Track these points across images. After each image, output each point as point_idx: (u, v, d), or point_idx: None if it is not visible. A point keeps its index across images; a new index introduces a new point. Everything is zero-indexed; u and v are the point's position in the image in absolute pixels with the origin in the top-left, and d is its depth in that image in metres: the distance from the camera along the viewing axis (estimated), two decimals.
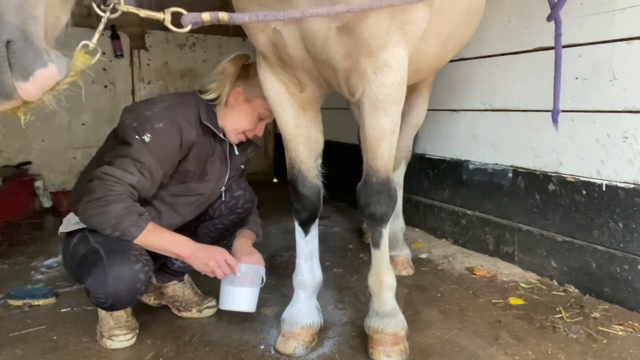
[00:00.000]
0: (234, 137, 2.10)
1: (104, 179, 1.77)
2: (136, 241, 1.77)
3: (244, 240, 2.16)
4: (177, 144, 1.89)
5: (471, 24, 2.26)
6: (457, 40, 2.16)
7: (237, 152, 2.18)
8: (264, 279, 2.04)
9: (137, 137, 1.82)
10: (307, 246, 1.95)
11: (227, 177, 2.17)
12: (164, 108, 1.92)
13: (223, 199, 2.21)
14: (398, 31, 1.51)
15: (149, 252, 1.86)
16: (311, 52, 1.58)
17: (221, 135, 2.06)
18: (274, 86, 1.80)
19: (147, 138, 1.82)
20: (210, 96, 2.05)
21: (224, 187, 2.19)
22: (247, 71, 2.05)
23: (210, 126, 2.00)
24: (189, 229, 2.23)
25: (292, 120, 1.83)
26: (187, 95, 2.08)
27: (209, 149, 2.07)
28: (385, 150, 1.69)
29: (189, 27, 1.11)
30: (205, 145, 2.04)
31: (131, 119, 1.87)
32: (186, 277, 2.28)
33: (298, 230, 1.95)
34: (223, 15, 1.10)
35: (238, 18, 1.14)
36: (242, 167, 2.28)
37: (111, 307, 1.81)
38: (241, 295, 1.95)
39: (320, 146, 1.95)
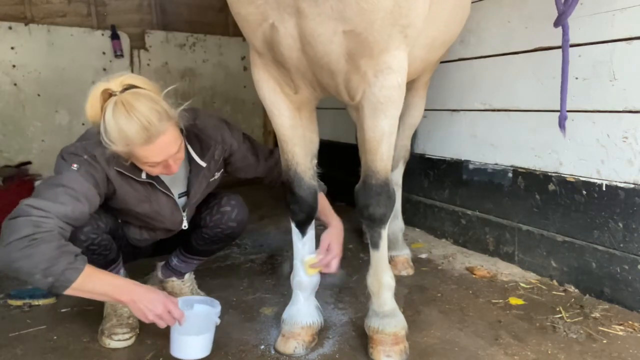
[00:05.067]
0: (155, 171, 1.79)
1: (29, 213, 1.51)
2: (73, 286, 1.50)
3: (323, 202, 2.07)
4: (103, 175, 1.75)
5: (457, 24, 2.26)
6: (441, 42, 2.16)
7: (203, 164, 1.96)
8: (218, 321, 1.82)
9: (66, 165, 1.70)
10: (305, 247, 1.95)
11: (181, 207, 2.01)
12: (86, 145, 1.76)
13: (209, 210, 2.11)
14: (399, 35, 1.52)
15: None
16: (309, 54, 1.56)
17: (140, 177, 1.84)
18: (269, 85, 1.75)
19: (75, 167, 1.69)
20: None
21: (184, 215, 2.02)
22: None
23: (122, 170, 1.77)
24: (180, 237, 2.18)
25: (287, 121, 1.80)
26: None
27: (136, 193, 1.85)
28: (385, 151, 1.69)
29: None
30: (130, 190, 1.83)
31: (59, 156, 1.76)
32: (187, 276, 2.28)
33: (295, 231, 1.95)
34: None
35: None
36: (218, 175, 2.07)
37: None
38: (190, 344, 1.74)
39: (315, 146, 1.93)
